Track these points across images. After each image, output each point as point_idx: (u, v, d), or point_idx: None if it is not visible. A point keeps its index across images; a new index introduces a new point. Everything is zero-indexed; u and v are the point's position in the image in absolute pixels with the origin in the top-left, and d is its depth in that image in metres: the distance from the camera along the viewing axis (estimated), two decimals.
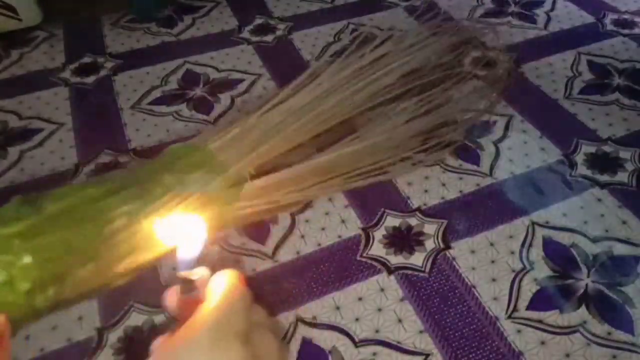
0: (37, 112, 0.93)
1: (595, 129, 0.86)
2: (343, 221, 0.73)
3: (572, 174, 0.79)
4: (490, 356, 0.59)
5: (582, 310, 0.62)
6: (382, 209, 0.75)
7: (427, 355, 0.59)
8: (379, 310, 0.63)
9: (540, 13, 1.15)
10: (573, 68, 0.99)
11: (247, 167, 0.66)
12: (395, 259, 0.68)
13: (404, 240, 0.71)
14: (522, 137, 0.85)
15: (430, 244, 0.70)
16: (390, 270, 0.67)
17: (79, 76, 1.01)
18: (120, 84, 0.99)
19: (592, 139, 0.84)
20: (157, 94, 0.97)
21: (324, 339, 0.60)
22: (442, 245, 0.70)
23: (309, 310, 0.63)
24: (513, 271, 0.67)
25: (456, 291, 0.65)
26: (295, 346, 0.60)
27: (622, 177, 0.78)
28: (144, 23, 1.16)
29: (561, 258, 0.68)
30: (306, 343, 0.60)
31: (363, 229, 0.72)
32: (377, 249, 0.69)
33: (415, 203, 0.75)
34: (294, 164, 0.69)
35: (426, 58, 0.90)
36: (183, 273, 0.27)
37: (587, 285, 0.65)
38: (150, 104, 0.94)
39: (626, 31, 1.09)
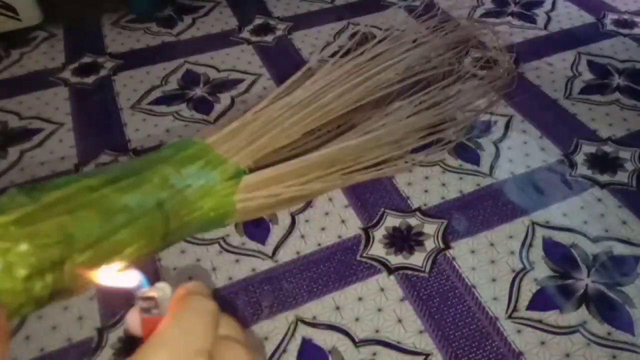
0: (37, 112, 0.93)
1: (595, 129, 0.86)
2: (343, 221, 0.73)
3: (572, 174, 0.79)
4: (490, 356, 0.59)
5: (582, 310, 0.62)
6: (382, 209, 0.75)
7: (427, 355, 0.59)
8: (379, 310, 0.63)
9: (540, 13, 1.15)
10: (573, 68, 0.99)
11: (245, 160, 0.66)
12: (395, 259, 0.68)
13: (404, 240, 0.71)
14: (522, 137, 0.85)
15: (430, 244, 0.70)
16: (390, 270, 0.67)
17: (79, 76, 1.01)
18: (120, 84, 0.99)
19: (592, 139, 0.84)
20: (157, 94, 0.97)
21: (324, 339, 0.60)
22: (442, 245, 0.70)
23: (309, 310, 0.63)
24: (513, 271, 0.67)
25: (456, 291, 0.65)
26: (295, 346, 0.60)
27: (622, 177, 0.78)
28: (144, 23, 1.16)
29: (561, 258, 0.68)
30: (306, 343, 0.60)
31: (363, 229, 0.72)
32: (377, 249, 0.69)
33: (415, 203, 0.75)
34: (293, 158, 0.69)
35: (424, 55, 0.90)
36: (141, 290, 0.25)
37: (587, 285, 0.65)
38: (150, 104, 0.94)
39: (626, 31, 1.09)
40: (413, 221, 0.73)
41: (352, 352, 0.59)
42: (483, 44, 1.04)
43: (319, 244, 0.70)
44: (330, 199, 0.76)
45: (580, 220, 0.72)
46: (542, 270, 0.67)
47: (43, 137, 0.88)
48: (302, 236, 0.72)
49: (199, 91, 0.97)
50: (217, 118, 0.91)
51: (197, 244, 0.71)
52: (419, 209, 0.74)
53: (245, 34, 1.12)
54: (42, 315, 0.64)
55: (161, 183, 0.59)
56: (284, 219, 0.74)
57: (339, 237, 0.71)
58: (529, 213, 0.73)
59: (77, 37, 1.12)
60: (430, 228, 0.72)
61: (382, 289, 0.65)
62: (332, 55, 0.85)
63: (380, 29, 1.11)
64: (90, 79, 1.00)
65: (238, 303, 0.64)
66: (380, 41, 0.87)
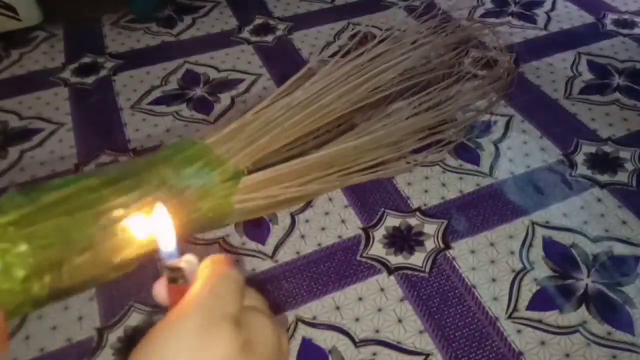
0: (37, 112, 0.93)
1: (595, 129, 0.86)
2: (343, 221, 0.73)
3: (572, 174, 0.79)
4: (490, 356, 0.59)
5: (582, 310, 0.63)
6: (382, 209, 0.75)
7: (427, 355, 0.59)
8: (379, 310, 0.63)
9: (540, 13, 1.15)
10: (573, 68, 0.99)
11: (244, 161, 0.66)
12: (395, 259, 0.68)
13: (404, 240, 0.71)
14: (522, 137, 0.85)
15: (430, 244, 0.70)
16: (390, 270, 0.67)
17: (79, 76, 1.01)
18: (120, 84, 0.99)
19: (592, 139, 0.84)
20: (157, 94, 0.97)
21: (324, 339, 0.60)
22: (442, 245, 0.70)
23: (309, 310, 0.63)
24: (513, 271, 0.67)
25: (456, 291, 0.65)
26: (295, 346, 0.60)
27: (622, 177, 0.78)
28: (144, 23, 1.16)
29: (561, 258, 0.68)
30: (306, 343, 0.60)
31: (363, 229, 0.72)
32: (377, 249, 0.69)
33: (415, 203, 0.75)
34: (292, 159, 0.69)
35: (424, 56, 0.90)
36: (169, 262, 0.26)
37: (587, 285, 0.65)
38: (150, 104, 0.94)
39: (626, 31, 1.09)
40: (413, 221, 0.73)
41: (352, 352, 0.59)
42: (483, 44, 1.04)
43: (319, 244, 0.70)
44: (330, 199, 0.76)
45: (580, 220, 0.72)
46: (542, 270, 0.67)
47: (43, 137, 0.88)
48: (302, 236, 0.72)
49: (199, 91, 0.97)
50: (217, 118, 0.91)
51: (197, 244, 0.71)
52: (419, 209, 0.74)
53: (245, 34, 1.12)
54: (42, 315, 0.64)
55: (160, 184, 0.59)
56: (284, 219, 0.74)
57: (339, 237, 0.71)
58: (529, 213, 0.73)
59: (77, 37, 1.12)
60: (430, 228, 0.72)
61: (382, 289, 0.65)
62: (332, 56, 0.85)
63: (381, 29, 1.11)
64: (90, 79, 1.00)
65: None
66: (380, 41, 0.87)
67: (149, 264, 0.67)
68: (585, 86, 0.95)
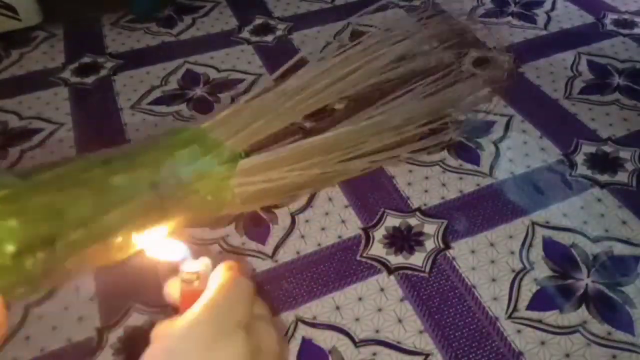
0: (37, 112, 0.93)
1: (595, 129, 0.86)
2: (343, 221, 0.73)
3: (572, 174, 0.79)
4: (490, 356, 0.59)
5: (582, 310, 0.62)
6: (382, 209, 0.75)
7: (427, 355, 0.59)
8: (379, 310, 0.63)
9: (540, 13, 1.15)
10: (573, 68, 0.99)
11: (241, 143, 0.66)
12: (395, 259, 0.68)
13: (404, 240, 0.71)
14: (522, 137, 0.85)
15: (430, 244, 0.70)
16: (390, 270, 0.67)
17: (79, 76, 1.01)
18: (120, 84, 0.99)
19: (592, 139, 0.84)
20: (157, 94, 0.97)
21: (324, 339, 0.60)
22: (442, 245, 0.70)
23: (309, 310, 0.63)
24: (513, 271, 0.67)
25: (456, 291, 0.65)
26: (295, 346, 0.60)
27: (622, 177, 0.78)
28: (144, 23, 1.16)
29: (561, 258, 0.68)
30: (306, 343, 0.60)
31: (363, 229, 0.72)
32: (377, 249, 0.69)
33: (415, 203, 0.75)
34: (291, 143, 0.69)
35: (417, 44, 0.89)
36: (187, 264, 0.27)
37: (587, 285, 0.65)
38: (150, 104, 0.94)
39: (626, 31, 1.09)
40: (413, 221, 0.73)
41: (352, 352, 0.59)
42: (479, 42, 1.04)
43: (319, 244, 0.70)
44: (330, 199, 0.76)
45: (580, 220, 0.72)
46: (542, 270, 0.67)
47: (43, 137, 0.88)
48: (302, 236, 0.72)
49: (199, 91, 0.97)
50: None
51: (197, 244, 0.71)
52: (419, 209, 0.74)
53: (245, 34, 1.12)
54: (42, 315, 0.64)
55: (154, 166, 0.58)
56: (284, 219, 0.74)
57: (339, 237, 0.71)
58: (529, 213, 0.73)
59: (77, 37, 1.12)
60: (430, 228, 0.72)
61: (382, 289, 0.65)
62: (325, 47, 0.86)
63: (380, 29, 1.11)
64: (90, 79, 1.00)
65: None
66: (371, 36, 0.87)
67: (149, 264, 0.67)
68: (585, 86, 0.95)
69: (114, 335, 0.62)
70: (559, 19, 1.13)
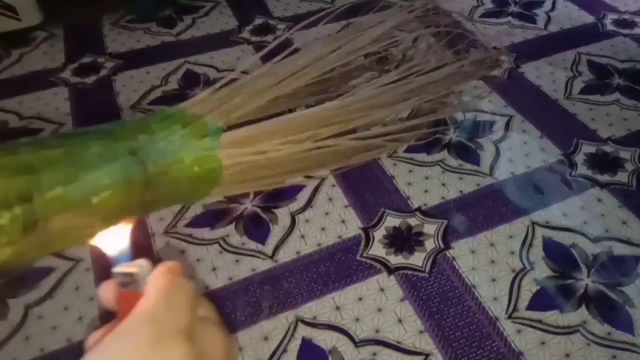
0: (37, 112, 0.93)
1: (595, 129, 0.86)
2: (343, 221, 0.73)
3: (572, 174, 0.79)
4: (490, 356, 0.59)
5: (582, 310, 0.62)
6: (382, 209, 0.74)
7: (427, 355, 0.59)
8: (379, 310, 0.63)
9: (540, 13, 1.15)
10: (573, 68, 0.99)
11: (221, 117, 0.65)
12: (395, 259, 0.68)
13: (404, 240, 0.70)
14: (522, 137, 0.85)
15: (430, 244, 0.70)
16: (390, 270, 0.67)
17: (79, 76, 1.01)
18: (120, 84, 0.99)
19: (592, 139, 0.84)
20: (157, 93, 0.97)
21: (324, 339, 0.60)
22: (442, 245, 0.70)
23: (309, 310, 0.63)
24: (513, 271, 0.67)
25: (456, 291, 0.65)
26: (295, 346, 0.60)
27: (622, 177, 0.78)
28: (144, 23, 1.16)
29: (561, 258, 0.68)
30: (306, 343, 0.60)
31: (363, 229, 0.72)
32: (377, 249, 0.69)
33: (415, 203, 0.75)
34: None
35: (396, 25, 0.90)
36: (122, 265, 0.25)
37: (587, 285, 0.65)
38: (150, 104, 0.94)
39: (626, 31, 1.09)
40: (413, 221, 0.73)
41: (352, 352, 0.59)
42: (477, 41, 1.04)
43: (319, 244, 0.70)
44: (330, 199, 0.76)
45: (580, 220, 0.72)
46: (542, 270, 0.67)
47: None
48: (302, 236, 0.72)
49: (199, 91, 0.97)
50: None
51: (197, 244, 0.71)
52: (419, 209, 0.74)
53: (245, 34, 1.12)
54: (42, 315, 0.64)
55: (132, 136, 0.57)
56: (284, 219, 0.74)
57: (339, 237, 0.71)
58: (529, 213, 0.73)
59: (77, 37, 1.12)
60: (430, 228, 0.72)
61: (382, 289, 0.65)
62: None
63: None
64: (90, 79, 1.00)
65: (238, 303, 0.64)
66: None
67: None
68: (585, 86, 0.95)
69: None
70: (559, 19, 1.13)
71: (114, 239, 0.26)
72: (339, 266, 0.68)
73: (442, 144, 0.83)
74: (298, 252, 0.70)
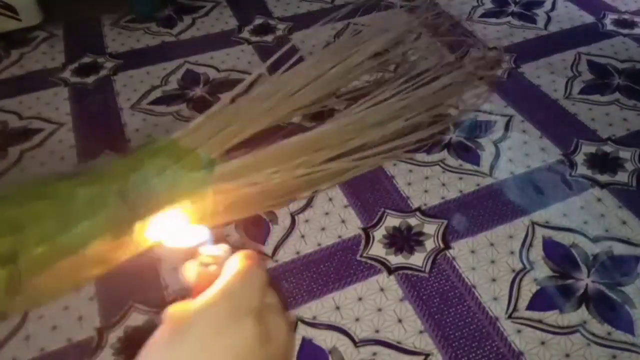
0: (37, 112, 0.93)
1: (595, 129, 0.86)
2: (343, 221, 0.73)
3: (572, 174, 0.79)
4: (490, 356, 0.59)
5: (582, 310, 0.62)
6: (382, 209, 0.74)
7: (427, 355, 0.59)
8: (379, 310, 0.63)
9: (540, 13, 1.15)
10: (573, 68, 0.99)
11: (214, 149, 0.65)
12: (395, 259, 0.68)
13: (404, 240, 0.71)
14: (522, 137, 0.85)
15: (430, 244, 0.70)
16: (390, 270, 0.67)
17: (79, 76, 1.01)
18: (120, 84, 0.99)
19: (592, 139, 0.84)
20: (157, 94, 0.97)
21: (324, 339, 0.60)
22: (442, 245, 0.70)
23: (309, 310, 0.63)
24: (513, 271, 0.67)
25: (456, 291, 0.65)
26: (295, 346, 0.60)
27: (622, 177, 0.78)
28: (144, 23, 1.16)
29: (561, 258, 0.68)
30: (306, 343, 0.60)
31: (363, 229, 0.72)
32: (377, 249, 0.69)
33: (415, 203, 0.75)
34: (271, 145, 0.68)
35: (398, 37, 0.89)
36: (207, 248, 0.28)
37: (587, 285, 0.65)
38: (150, 104, 0.94)
39: (626, 31, 1.09)
40: (413, 221, 0.73)
41: (352, 352, 0.59)
42: (479, 41, 1.04)
43: (319, 244, 0.70)
44: (330, 199, 0.76)
45: (580, 220, 0.72)
46: (542, 270, 0.67)
47: (43, 137, 0.88)
48: (302, 236, 0.72)
49: (199, 91, 0.97)
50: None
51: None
52: (419, 209, 0.74)
53: (245, 34, 1.12)
54: (42, 315, 0.64)
55: (122, 175, 0.57)
56: (284, 219, 0.74)
57: (339, 237, 0.71)
58: (529, 213, 0.73)
59: (77, 37, 1.12)
60: (430, 228, 0.72)
61: (382, 289, 0.65)
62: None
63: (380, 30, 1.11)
64: (90, 79, 1.00)
65: None
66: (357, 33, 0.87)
67: (149, 265, 0.68)
68: (585, 86, 0.95)
69: (114, 335, 0.62)
70: (559, 19, 1.13)
71: (187, 232, 0.29)
72: (339, 266, 0.68)
73: (442, 144, 0.83)
74: (298, 252, 0.70)
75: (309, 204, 0.76)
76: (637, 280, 0.65)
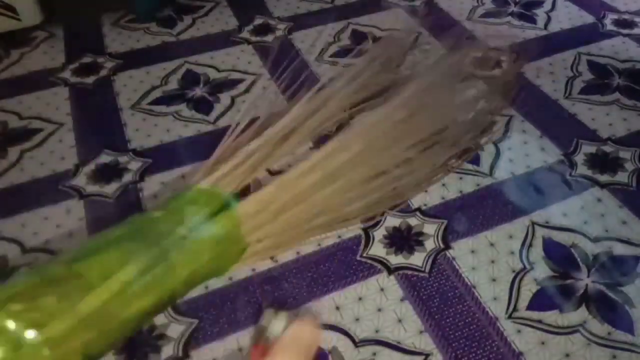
0: (37, 112, 0.93)
1: (595, 129, 0.86)
2: None
3: (572, 174, 0.79)
4: (490, 356, 0.59)
5: (582, 310, 0.62)
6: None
7: (427, 355, 0.59)
8: (379, 310, 0.63)
9: (540, 13, 1.15)
10: (573, 68, 0.99)
11: (233, 184, 0.66)
12: (395, 259, 0.68)
13: (404, 240, 0.71)
14: (522, 137, 0.85)
15: (430, 244, 0.70)
16: (390, 270, 0.67)
17: (79, 76, 1.01)
18: (120, 84, 0.99)
19: (592, 139, 0.84)
20: (157, 94, 0.97)
21: (324, 339, 0.60)
22: (442, 245, 0.70)
23: (309, 310, 0.63)
24: (513, 271, 0.67)
25: (456, 291, 0.65)
26: None
27: (622, 177, 0.78)
28: (144, 23, 1.16)
29: (561, 258, 0.68)
30: None
31: (363, 229, 0.72)
32: (377, 249, 0.69)
33: (415, 203, 0.75)
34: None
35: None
36: (273, 326, 0.33)
37: (587, 285, 0.65)
38: (150, 104, 0.94)
39: (626, 31, 1.09)
40: (413, 221, 0.73)
41: (352, 352, 0.59)
42: (486, 45, 1.04)
43: (319, 244, 0.70)
44: None
45: (580, 220, 0.72)
46: (542, 270, 0.67)
47: (43, 137, 0.88)
48: None
49: (199, 91, 0.97)
50: (217, 118, 0.91)
51: None
52: (419, 209, 0.74)
53: (245, 34, 1.12)
54: None
55: (164, 233, 0.59)
56: None
57: (339, 237, 0.71)
58: (529, 213, 0.73)
59: (77, 37, 1.12)
60: (430, 228, 0.72)
61: (382, 289, 0.65)
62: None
63: (381, 29, 1.11)
64: (90, 79, 1.00)
65: (238, 303, 0.64)
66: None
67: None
68: (585, 86, 0.95)
69: None
70: (559, 19, 1.13)
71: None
72: (339, 266, 0.68)
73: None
74: (298, 252, 0.70)
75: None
76: (637, 280, 0.65)
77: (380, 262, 0.68)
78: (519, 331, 0.61)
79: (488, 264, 0.68)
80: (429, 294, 0.65)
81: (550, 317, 0.62)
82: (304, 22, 1.14)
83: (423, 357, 0.59)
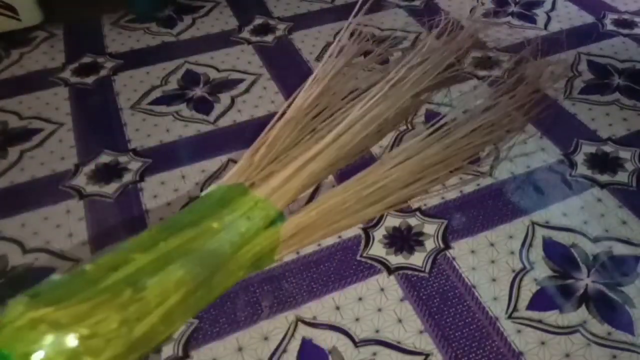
0: (37, 112, 0.93)
1: (595, 129, 0.86)
2: None
3: (572, 174, 0.79)
4: (490, 356, 0.59)
5: (582, 310, 0.63)
6: None
7: (427, 355, 0.59)
8: (379, 310, 0.63)
9: (540, 13, 1.15)
10: (573, 68, 0.99)
11: (282, 200, 0.67)
12: (395, 259, 0.68)
13: (404, 240, 0.71)
14: (522, 137, 0.85)
15: (430, 244, 0.70)
16: (390, 270, 0.67)
17: (79, 76, 1.01)
18: (120, 84, 0.99)
19: (592, 139, 0.84)
20: (157, 94, 0.97)
21: (324, 339, 0.60)
22: (442, 245, 0.70)
23: (309, 310, 0.63)
24: (513, 271, 0.67)
25: (456, 291, 0.65)
26: (295, 346, 0.60)
27: (622, 177, 0.78)
28: (144, 23, 1.16)
29: (561, 258, 0.68)
30: (306, 343, 0.60)
31: (363, 229, 0.72)
32: (377, 249, 0.69)
33: (415, 203, 0.75)
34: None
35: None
36: None
37: (587, 285, 0.65)
38: (150, 104, 0.94)
39: (626, 31, 1.09)
40: (413, 221, 0.73)
41: (352, 352, 0.59)
42: (484, 45, 1.04)
43: (319, 244, 0.70)
44: None
45: (580, 220, 0.72)
46: (542, 270, 0.67)
47: (43, 137, 0.88)
48: None
49: (199, 91, 0.97)
50: (217, 118, 0.91)
51: None
52: (419, 209, 0.74)
53: (245, 34, 1.12)
54: None
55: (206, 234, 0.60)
56: None
57: (339, 237, 0.71)
58: (529, 213, 0.73)
59: (77, 37, 1.12)
60: (430, 228, 0.72)
61: (382, 289, 0.65)
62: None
63: (381, 29, 1.11)
64: (90, 79, 1.00)
65: (238, 303, 0.64)
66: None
67: None
68: (585, 86, 0.95)
69: None
70: (559, 19, 1.13)
71: None
72: (339, 266, 0.68)
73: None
74: (298, 252, 0.70)
75: (307, 204, 0.75)
76: (637, 280, 0.65)
77: (380, 262, 0.68)
78: (519, 331, 0.61)
79: (488, 264, 0.68)
80: (429, 294, 0.65)
81: (550, 317, 0.62)
82: (304, 22, 1.14)
83: (423, 357, 0.59)
